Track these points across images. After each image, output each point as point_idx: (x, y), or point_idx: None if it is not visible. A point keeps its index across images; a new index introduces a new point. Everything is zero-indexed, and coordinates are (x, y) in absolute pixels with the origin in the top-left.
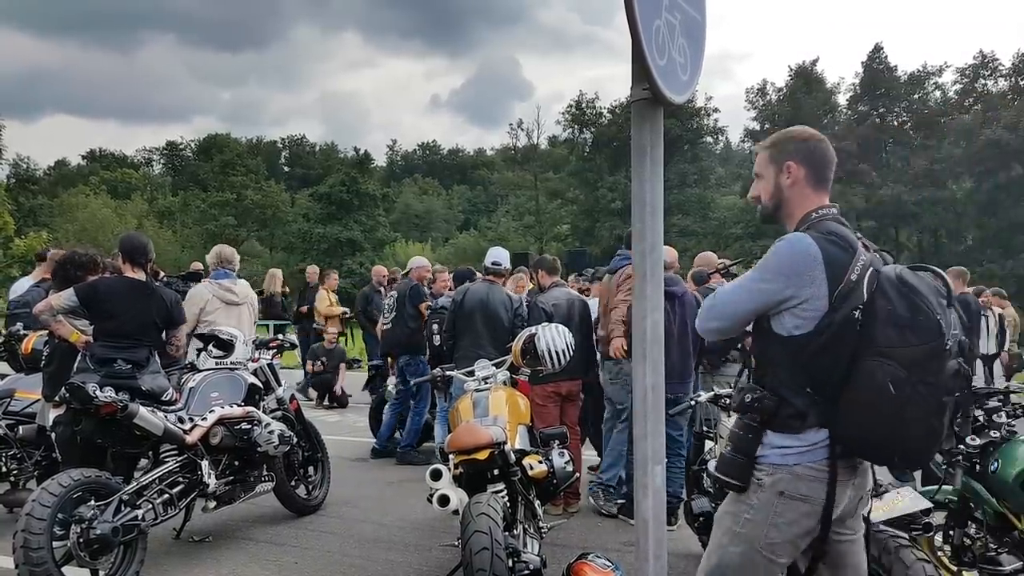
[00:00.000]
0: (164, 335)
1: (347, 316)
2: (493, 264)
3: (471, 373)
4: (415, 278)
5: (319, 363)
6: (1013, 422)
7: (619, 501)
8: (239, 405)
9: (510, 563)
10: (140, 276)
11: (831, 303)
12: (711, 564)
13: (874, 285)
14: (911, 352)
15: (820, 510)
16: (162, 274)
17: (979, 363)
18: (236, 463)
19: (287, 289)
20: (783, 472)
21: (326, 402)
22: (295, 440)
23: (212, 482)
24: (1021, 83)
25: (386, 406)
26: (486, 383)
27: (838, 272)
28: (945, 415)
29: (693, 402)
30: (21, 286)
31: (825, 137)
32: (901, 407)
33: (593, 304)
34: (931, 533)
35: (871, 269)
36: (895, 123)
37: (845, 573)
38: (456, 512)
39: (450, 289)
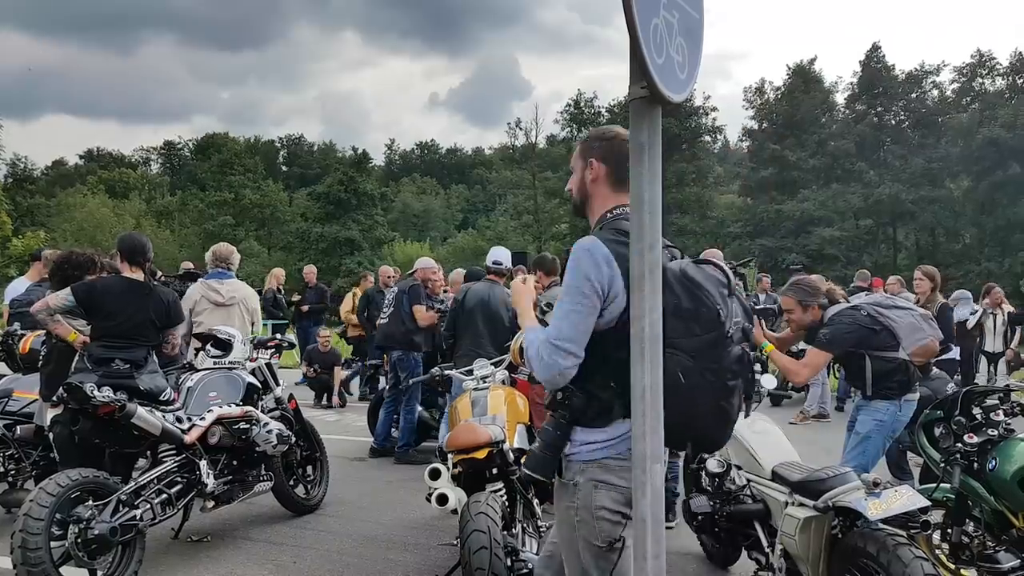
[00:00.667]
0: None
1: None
2: (494, 263)
3: (470, 372)
4: (419, 278)
5: (313, 369)
6: (1010, 420)
7: None
8: (237, 405)
9: (508, 562)
10: (139, 276)
11: (628, 298)
12: (572, 573)
13: (663, 281)
14: (696, 342)
15: (631, 497)
16: (159, 274)
17: (984, 360)
18: (234, 463)
19: (281, 288)
20: (593, 467)
21: (324, 402)
22: (293, 439)
23: (210, 482)
24: (1019, 82)
25: (381, 405)
26: (485, 382)
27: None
28: (733, 398)
29: None
30: (16, 287)
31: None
32: (691, 393)
33: None
34: (929, 531)
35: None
36: (893, 122)
37: None
38: (455, 511)
39: (445, 290)
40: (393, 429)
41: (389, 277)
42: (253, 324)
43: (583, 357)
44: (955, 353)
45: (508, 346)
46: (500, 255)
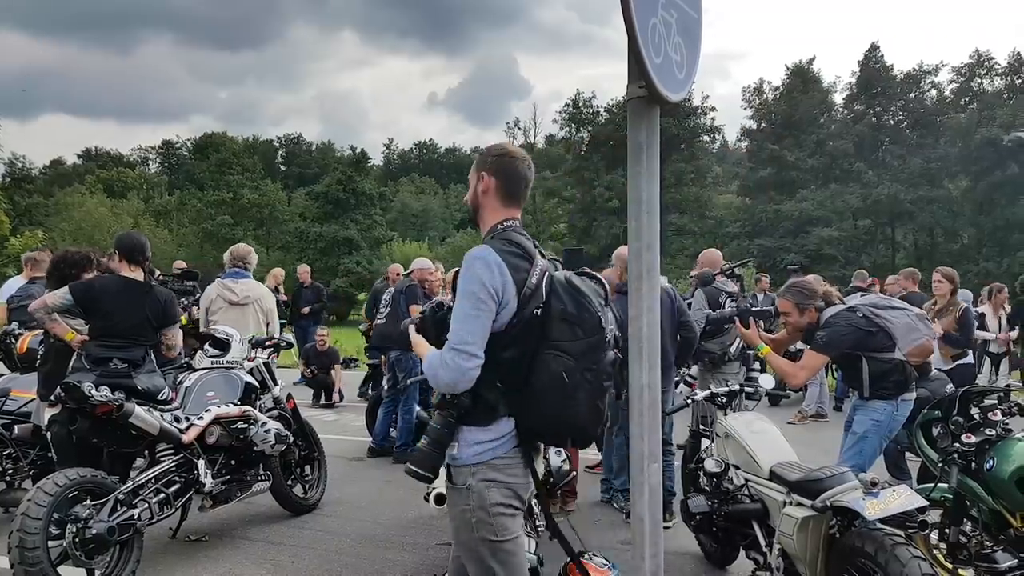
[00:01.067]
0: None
1: None
2: None
3: None
4: (416, 279)
5: (311, 369)
6: (1008, 420)
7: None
8: (235, 404)
9: None
10: (137, 275)
11: (519, 304)
12: (476, 572)
13: (549, 288)
14: (579, 344)
15: (520, 489)
16: (158, 273)
17: (987, 360)
18: (232, 462)
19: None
20: (483, 468)
21: (323, 401)
22: (291, 439)
23: (208, 481)
24: (1017, 82)
25: (380, 405)
26: None
27: (521, 277)
28: (605, 398)
29: (690, 401)
30: (12, 285)
31: (525, 156)
32: (573, 392)
33: None
34: (927, 531)
35: (546, 274)
36: (891, 122)
37: None
38: None
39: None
40: (392, 429)
41: (398, 275)
42: (268, 324)
43: (483, 359)
44: (971, 358)
45: None
46: None
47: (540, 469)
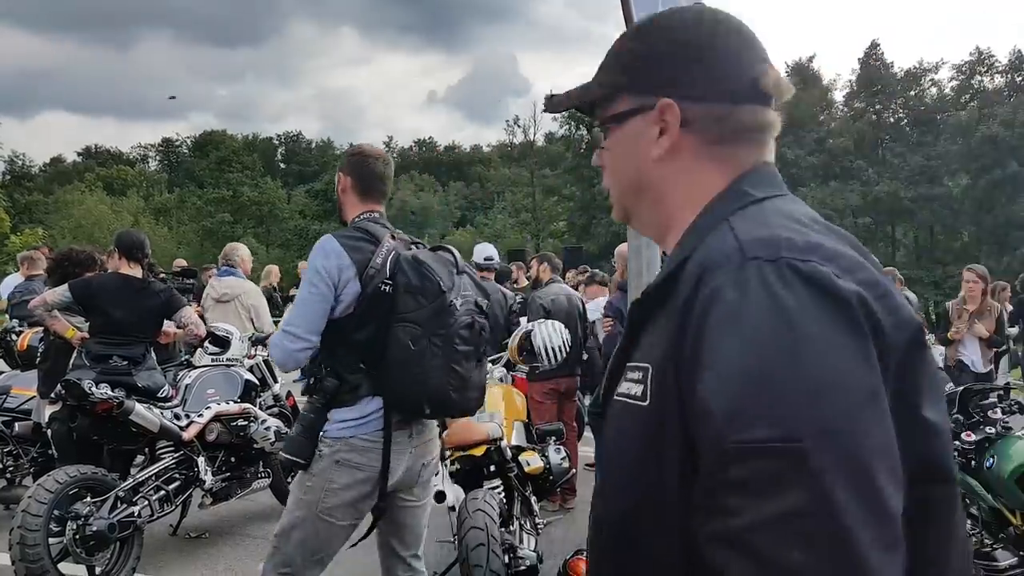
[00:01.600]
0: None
1: None
2: (486, 260)
3: None
4: None
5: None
6: (1008, 418)
7: None
8: (235, 402)
9: (506, 559)
10: (136, 272)
11: (362, 282)
12: (281, 527)
13: (395, 266)
14: (423, 312)
15: (376, 476)
16: (159, 271)
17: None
18: (232, 459)
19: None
20: (340, 444)
21: None
22: None
23: (208, 478)
24: (1017, 80)
25: None
26: None
27: (364, 258)
28: (467, 362)
29: None
30: (9, 283)
31: (380, 154)
32: (421, 359)
33: (600, 303)
34: None
35: (394, 253)
36: (891, 120)
37: (403, 532)
38: (452, 508)
39: None
40: None
41: None
42: (254, 320)
43: (314, 341)
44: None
45: (506, 343)
46: (491, 251)
47: (406, 461)
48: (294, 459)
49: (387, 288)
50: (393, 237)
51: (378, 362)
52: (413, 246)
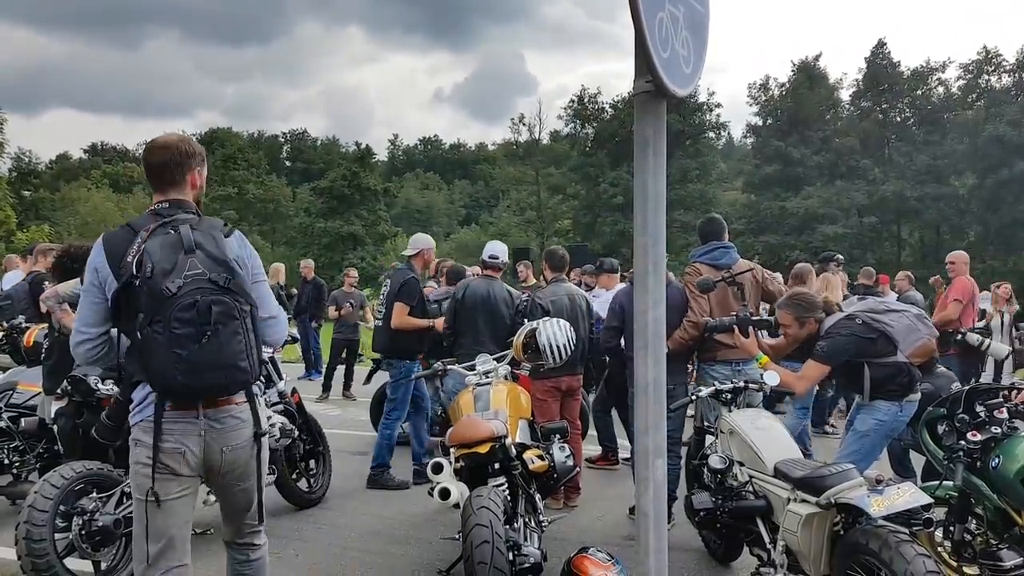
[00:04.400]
0: None
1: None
2: (491, 258)
3: (472, 367)
4: (419, 265)
5: (347, 305)
6: (1014, 419)
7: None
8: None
9: (510, 556)
10: None
11: (116, 278)
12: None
13: (139, 257)
14: (143, 300)
15: (162, 454)
16: None
17: (991, 359)
18: None
19: (281, 284)
20: (136, 428)
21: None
22: (296, 433)
23: None
24: None
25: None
26: (487, 377)
27: (119, 251)
28: (188, 345)
29: (694, 397)
30: (8, 279)
31: (156, 143)
32: (145, 346)
33: (606, 298)
34: (932, 528)
35: (142, 245)
36: (898, 119)
37: (233, 516)
38: (457, 505)
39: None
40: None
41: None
42: None
43: (91, 333)
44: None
45: (510, 342)
46: (497, 249)
47: (201, 444)
48: (102, 440)
49: (138, 282)
50: (162, 227)
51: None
52: (170, 231)
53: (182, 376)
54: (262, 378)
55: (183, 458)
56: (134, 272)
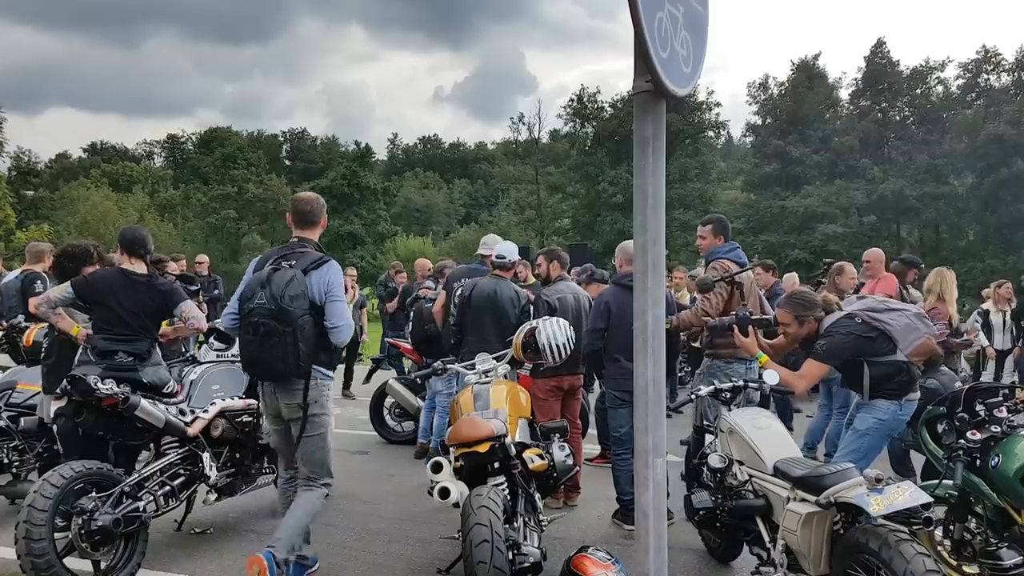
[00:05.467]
0: (169, 320)
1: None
2: (498, 258)
3: (472, 366)
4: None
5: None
6: (1013, 417)
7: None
8: (240, 397)
9: (510, 556)
10: (139, 268)
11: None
12: None
13: None
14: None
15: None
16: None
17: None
18: (237, 455)
19: None
20: None
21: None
22: None
23: (213, 474)
24: None
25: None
26: (487, 376)
27: (254, 268)
28: (254, 348)
29: (693, 396)
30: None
31: (307, 198)
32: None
33: None
34: (931, 527)
35: None
36: (897, 118)
37: (282, 448)
38: (456, 505)
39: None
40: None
41: (428, 270)
42: None
43: (233, 312)
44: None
45: (511, 340)
46: (506, 250)
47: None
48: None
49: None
50: (276, 260)
51: None
52: (269, 267)
53: (245, 364)
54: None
55: (267, 407)
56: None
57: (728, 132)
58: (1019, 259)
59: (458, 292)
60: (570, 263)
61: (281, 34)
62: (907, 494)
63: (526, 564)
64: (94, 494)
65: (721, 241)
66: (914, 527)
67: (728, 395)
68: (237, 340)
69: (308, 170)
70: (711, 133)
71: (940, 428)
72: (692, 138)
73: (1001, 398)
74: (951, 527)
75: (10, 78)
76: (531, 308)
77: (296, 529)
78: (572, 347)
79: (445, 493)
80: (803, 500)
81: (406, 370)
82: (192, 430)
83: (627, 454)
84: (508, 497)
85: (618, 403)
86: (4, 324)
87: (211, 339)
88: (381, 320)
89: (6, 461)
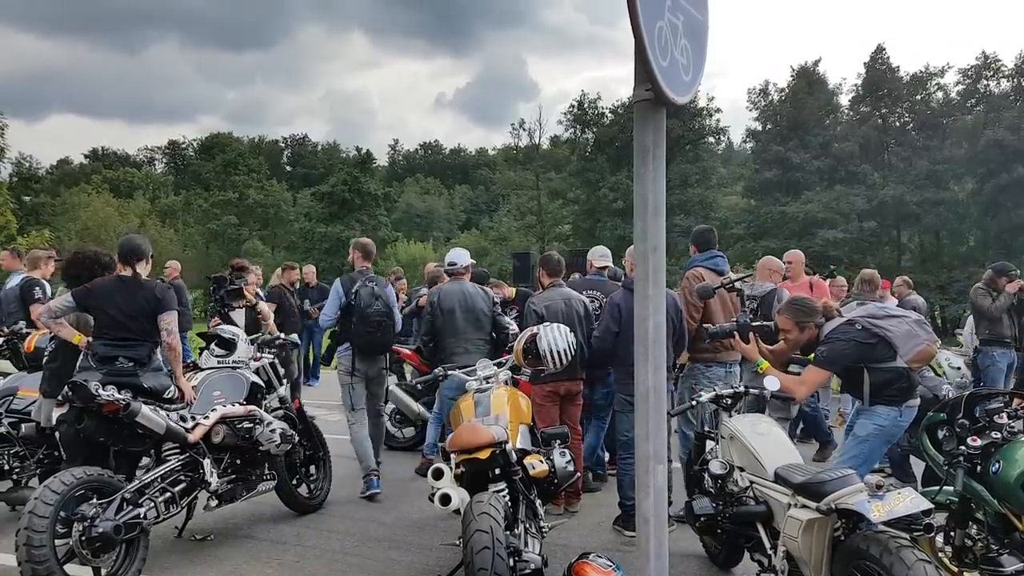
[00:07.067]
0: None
1: None
2: (450, 265)
3: (473, 372)
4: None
5: None
6: (1014, 423)
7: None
8: (241, 404)
9: (511, 562)
10: (128, 272)
11: (346, 297)
12: None
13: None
14: (356, 315)
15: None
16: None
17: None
18: (238, 462)
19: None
20: (343, 357)
21: None
22: (297, 439)
23: (214, 480)
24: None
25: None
26: (488, 382)
27: (347, 287)
28: (374, 334)
29: (694, 402)
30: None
31: (367, 241)
32: (356, 330)
33: None
34: (932, 534)
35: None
36: (897, 124)
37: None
38: (457, 511)
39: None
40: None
41: (430, 273)
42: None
43: (332, 319)
44: None
45: (511, 347)
46: (455, 256)
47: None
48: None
49: (352, 305)
50: (365, 283)
51: None
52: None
53: (364, 346)
54: (262, 383)
55: (365, 371)
56: (352, 301)
57: (728, 138)
58: (1019, 264)
59: (426, 302)
60: (571, 268)
61: (283, 40)
62: (908, 500)
63: (527, 570)
64: (95, 500)
65: (695, 251)
66: (915, 533)
67: (729, 401)
68: (238, 346)
69: (309, 176)
70: (711, 139)
71: (940, 434)
72: (692, 144)
73: (1001, 404)
74: (952, 533)
75: (12, 84)
76: (500, 306)
77: (377, 446)
78: (573, 353)
79: (446, 500)
80: (804, 506)
81: (407, 376)
82: (193, 436)
83: (632, 458)
84: (509, 503)
85: (627, 408)
86: (5, 330)
87: (212, 345)
88: None
89: (7, 467)
